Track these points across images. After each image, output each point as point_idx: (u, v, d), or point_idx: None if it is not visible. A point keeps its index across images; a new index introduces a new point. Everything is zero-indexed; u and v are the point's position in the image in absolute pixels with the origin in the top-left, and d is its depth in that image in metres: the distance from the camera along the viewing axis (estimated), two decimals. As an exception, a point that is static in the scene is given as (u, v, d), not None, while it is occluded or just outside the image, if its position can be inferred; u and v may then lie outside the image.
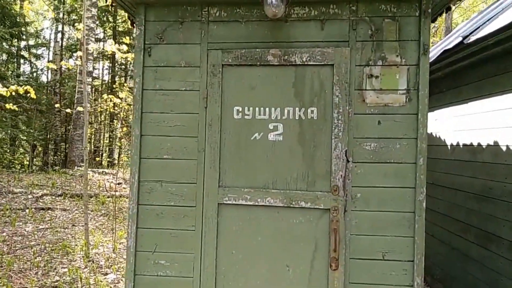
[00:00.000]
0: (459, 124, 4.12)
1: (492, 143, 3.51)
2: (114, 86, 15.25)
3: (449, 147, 4.35)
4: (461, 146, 4.07)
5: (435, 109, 4.75)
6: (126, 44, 6.51)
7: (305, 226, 2.37)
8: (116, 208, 6.88)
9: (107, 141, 19.98)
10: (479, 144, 3.73)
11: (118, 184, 10.09)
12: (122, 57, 6.22)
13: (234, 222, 2.41)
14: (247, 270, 2.39)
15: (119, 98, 7.20)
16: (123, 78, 19.35)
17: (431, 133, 4.84)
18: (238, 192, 2.39)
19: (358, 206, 2.35)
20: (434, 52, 4.24)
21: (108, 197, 8.59)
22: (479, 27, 3.89)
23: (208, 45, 2.46)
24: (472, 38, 3.22)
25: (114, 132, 18.03)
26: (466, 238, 3.91)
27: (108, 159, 18.30)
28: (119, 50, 5.93)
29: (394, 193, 2.34)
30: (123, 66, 19.53)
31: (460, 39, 3.47)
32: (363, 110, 2.37)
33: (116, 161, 17.92)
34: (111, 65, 19.20)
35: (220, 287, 2.39)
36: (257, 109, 2.42)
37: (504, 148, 3.33)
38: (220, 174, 2.42)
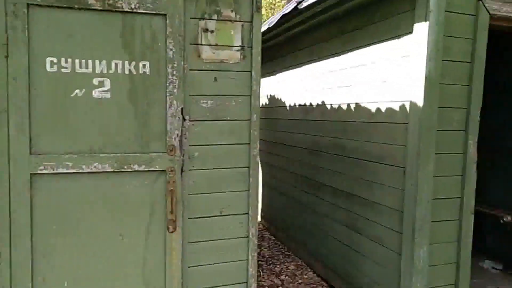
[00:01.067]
0: (296, 87, 4.50)
1: (320, 103, 3.94)
2: None
3: (288, 107, 4.74)
4: (297, 106, 4.47)
5: (277, 72, 5.06)
6: None
7: (140, 190, 2.21)
8: None
9: None
10: (310, 104, 4.15)
11: None
12: None
13: (54, 194, 2.07)
14: (73, 247, 2.11)
15: None
16: None
17: (274, 95, 5.18)
18: (57, 159, 2.05)
19: (195, 165, 2.31)
20: (276, 17, 4.43)
21: None
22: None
23: (3, -25, 1.93)
24: (304, 4, 3.44)
25: None
26: (300, 188, 4.40)
27: None
28: None
29: (230, 150, 2.37)
30: None
31: (295, 4, 3.69)
32: (199, 66, 2.28)
33: None
34: None
35: (40, 271, 2.07)
36: (77, 61, 2.07)
37: (328, 107, 3.78)
38: (31, 139, 2.02)
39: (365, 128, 3.20)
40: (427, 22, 2.47)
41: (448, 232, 2.76)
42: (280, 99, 4.95)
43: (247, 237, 2.44)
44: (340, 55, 3.54)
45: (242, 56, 2.35)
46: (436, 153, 2.63)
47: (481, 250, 4.13)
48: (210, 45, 2.29)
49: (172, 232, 2.25)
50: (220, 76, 2.32)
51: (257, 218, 2.47)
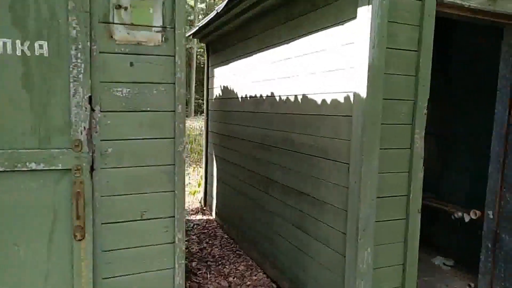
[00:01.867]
0: (247, 77, 4.24)
1: (270, 94, 3.71)
2: None
3: (240, 99, 4.48)
4: (249, 98, 4.22)
5: (230, 61, 4.78)
6: None
7: (39, 192, 1.89)
8: None
9: None
10: (261, 96, 3.91)
11: None
12: None
13: None
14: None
15: None
16: None
17: (227, 86, 4.90)
18: None
19: (109, 163, 2.00)
20: (224, 2, 4.14)
21: None
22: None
23: None
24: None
25: None
26: (252, 185, 4.17)
27: None
28: None
29: (152, 146, 2.09)
30: None
31: (242, -13, 3.42)
32: (112, 48, 1.97)
33: None
34: None
35: None
36: (-46, 38, 1.72)
37: (277, 98, 3.55)
38: None
39: (312, 121, 2.99)
40: (370, 6, 2.27)
41: (394, 232, 2.60)
42: (233, 90, 4.69)
43: (173, 243, 2.17)
44: (287, 43, 3.31)
45: (163, 38, 2.05)
46: (381, 148, 2.45)
47: (433, 246, 4.07)
48: (124, 24, 1.98)
49: (80, 240, 1.95)
50: (137, 60, 2.02)
51: (184, 222, 2.20)
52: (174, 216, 2.16)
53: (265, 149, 3.82)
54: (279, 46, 3.47)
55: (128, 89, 2.01)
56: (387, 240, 2.58)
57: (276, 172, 3.60)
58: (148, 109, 2.06)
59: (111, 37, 1.96)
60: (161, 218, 2.14)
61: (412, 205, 2.60)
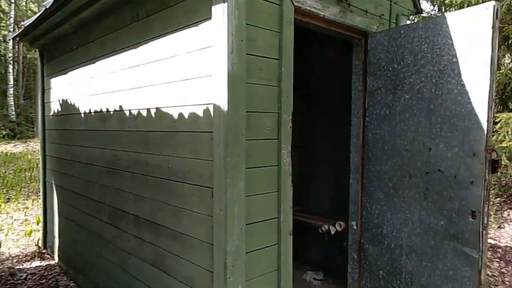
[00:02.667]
0: (91, 88, 3.51)
1: (118, 108, 3.08)
2: None
3: (82, 115, 3.68)
4: (93, 114, 3.48)
5: (68, 70, 3.94)
6: None
7: None
8: None
9: None
10: (107, 110, 3.24)
11: None
12: None
13: None
14: None
15: None
16: None
17: (67, 99, 4.02)
18: None
19: None
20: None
21: None
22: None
23: None
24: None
25: None
26: (100, 219, 3.42)
27: None
28: None
29: None
30: None
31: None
32: None
33: None
34: None
35: None
36: None
37: (127, 113, 2.96)
38: None
39: (169, 139, 2.52)
40: (226, 4, 1.95)
41: (267, 261, 2.31)
42: (74, 104, 3.85)
43: None
44: (135, 47, 2.77)
45: None
46: (247, 168, 2.14)
47: (303, 260, 4.02)
48: None
49: None
50: None
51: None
52: None
53: (114, 175, 3.16)
54: (126, 51, 2.90)
55: None
56: (260, 271, 2.27)
57: (128, 202, 2.97)
58: None
59: None
60: None
61: (283, 227, 2.36)
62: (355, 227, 2.99)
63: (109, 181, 3.26)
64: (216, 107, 2.05)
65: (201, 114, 2.21)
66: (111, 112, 3.18)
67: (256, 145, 2.20)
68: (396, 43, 2.77)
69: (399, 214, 2.72)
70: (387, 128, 2.83)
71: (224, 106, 2.00)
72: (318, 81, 4.19)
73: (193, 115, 2.28)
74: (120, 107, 3.04)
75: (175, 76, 2.40)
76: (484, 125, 2.33)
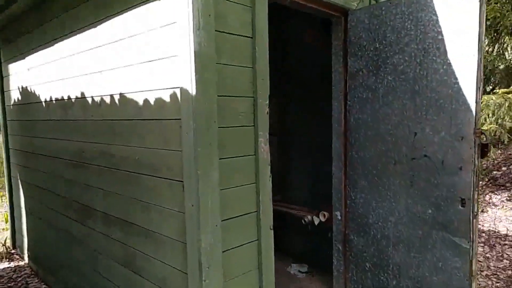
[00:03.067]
0: (50, 73, 3.20)
1: (80, 95, 2.81)
2: None
3: (44, 103, 3.38)
4: (54, 102, 3.19)
5: (26, 55, 3.60)
6: None
7: None
8: None
9: None
10: (69, 98, 2.96)
11: None
12: None
13: None
14: None
15: None
16: None
17: (27, 87, 3.70)
18: None
19: None
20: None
21: None
22: None
23: None
24: None
25: None
26: (68, 216, 3.17)
27: None
28: None
29: None
30: None
31: None
32: None
33: None
34: None
35: None
36: None
37: (90, 100, 2.69)
38: None
39: (135, 128, 2.29)
40: (191, -28, 1.71)
41: (246, 259, 2.13)
42: (35, 92, 3.53)
43: None
44: (95, 26, 2.50)
45: None
46: (220, 158, 1.93)
47: (287, 252, 3.88)
48: None
49: None
50: None
51: None
52: None
53: (80, 168, 2.90)
54: (85, 30, 2.62)
55: None
56: (239, 271, 2.10)
57: (95, 197, 2.74)
58: None
59: None
60: None
61: (263, 221, 2.18)
62: (339, 217, 2.85)
63: (75, 176, 3.00)
64: (184, 91, 1.83)
65: (167, 99, 1.99)
66: (73, 100, 2.90)
67: (230, 133, 1.99)
68: (378, 20, 2.58)
69: (384, 203, 2.58)
70: (370, 112, 2.66)
71: (192, 89, 1.78)
72: (294, 63, 3.97)
73: (159, 101, 2.05)
74: (82, 93, 2.77)
75: (138, 57, 2.15)
76: (473, 106, 2.19)
